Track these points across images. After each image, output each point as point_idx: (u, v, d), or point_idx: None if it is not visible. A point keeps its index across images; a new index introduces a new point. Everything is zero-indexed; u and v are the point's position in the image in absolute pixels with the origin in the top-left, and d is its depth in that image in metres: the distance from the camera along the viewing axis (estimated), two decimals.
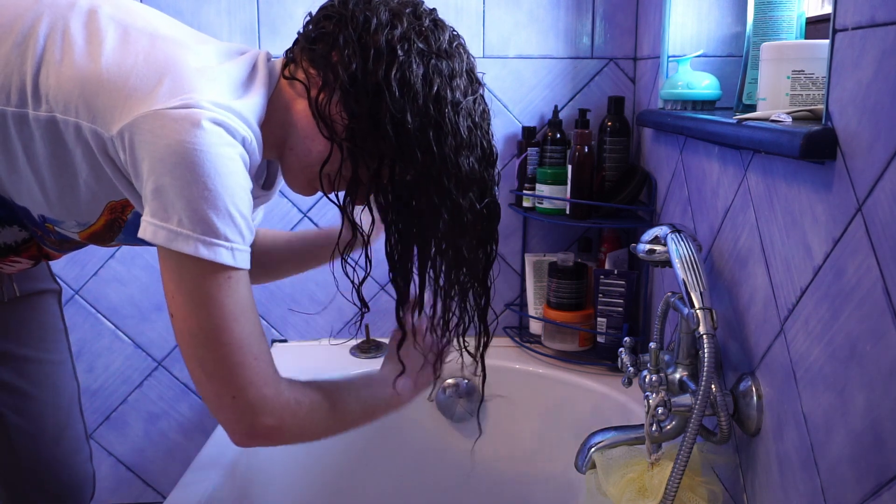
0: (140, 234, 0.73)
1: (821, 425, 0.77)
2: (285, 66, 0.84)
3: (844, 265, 0.72)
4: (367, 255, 0.86)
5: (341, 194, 0.84)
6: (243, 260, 0.74)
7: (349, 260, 0.86)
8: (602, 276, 1.47)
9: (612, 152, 1.49)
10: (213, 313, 0.73)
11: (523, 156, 1.56)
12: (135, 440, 1.71)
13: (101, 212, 0.83)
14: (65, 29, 0.76)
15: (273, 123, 0.82)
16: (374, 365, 1.54)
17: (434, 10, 0.84)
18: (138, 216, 0.75)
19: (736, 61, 1.34)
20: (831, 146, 0.74)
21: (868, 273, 0.68)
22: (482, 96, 0.84)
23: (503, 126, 1.60)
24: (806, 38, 1.10)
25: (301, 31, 0.85)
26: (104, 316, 1.64)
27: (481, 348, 0.92)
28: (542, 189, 1.51)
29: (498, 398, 1.52)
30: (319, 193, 0.86)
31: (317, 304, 1.66)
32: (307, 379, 0.85)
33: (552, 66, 1.59)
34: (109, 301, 1.63)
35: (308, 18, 0.85)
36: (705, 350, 0.90)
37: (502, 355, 1.56)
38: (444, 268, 0.86)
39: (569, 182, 1.49)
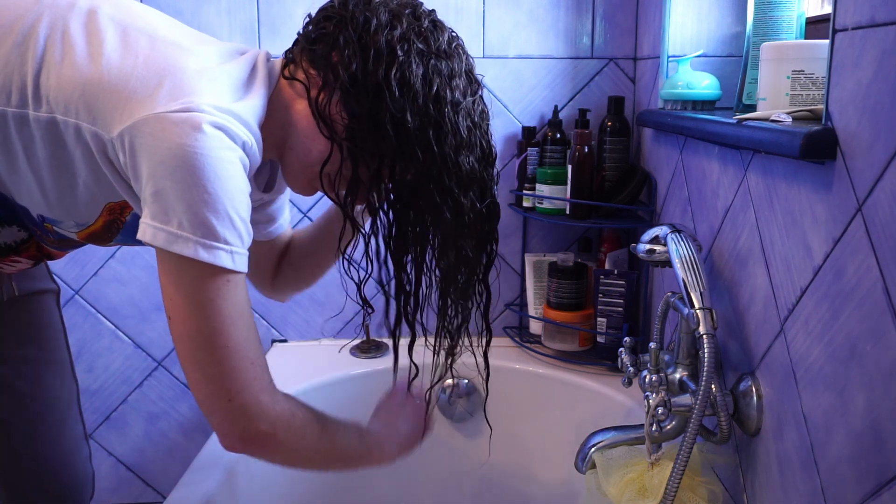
0: (139, 236, 0.73)
1: (821, 425, 0.77)
2: (285, 66, 0.84)
3: (844, 265, 0.72)
4: (367, 256, 0.86)
5: (342, 194, 0.84)
6: (242, 263, 0.75)
7: (353, 262, 0.87)
8: (602, 276, 1.47)
9: (612, 152, 1.49)
10: (211, 316, 0.73)
11: (523, 156, 1.56)
12: (135, 440, 1.71)
13: (99, 213, 0.83)
14: (65, 29, 0.77)
15: (273, 124, 0.82)
16: (373, 365, 1.55)
17: (433, 11, 0.84)
18: (137, 217, 0.75)
19: (736, 61, 1.34)
20: (831, 146, 0.74)
21: (868, 273, 0.68)
22: (481, 97, 0.84)
23: (503, 126, 1.60)
24: (806, 38, 1.10)
25: (301, 31, 0.85)
26: (104, 316, 1.64)
27: (484, 346, 0.93)
28: (542, 189, 1.51)
29: (498, 398, 1.52)
30: (319, 193, 0.87)
31: (317, 303, 1.66)
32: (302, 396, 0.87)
33: (552, 66, 1.59)
34: (109, 301, 1.63)
35: (308, 19, 0.85)
36: (705, 350, 0.89)
37: (502, 355, 1.56)
38: (445, 268, 0.86)
39: (569, 182, 1.49)
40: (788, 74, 0.92)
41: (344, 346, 1.62)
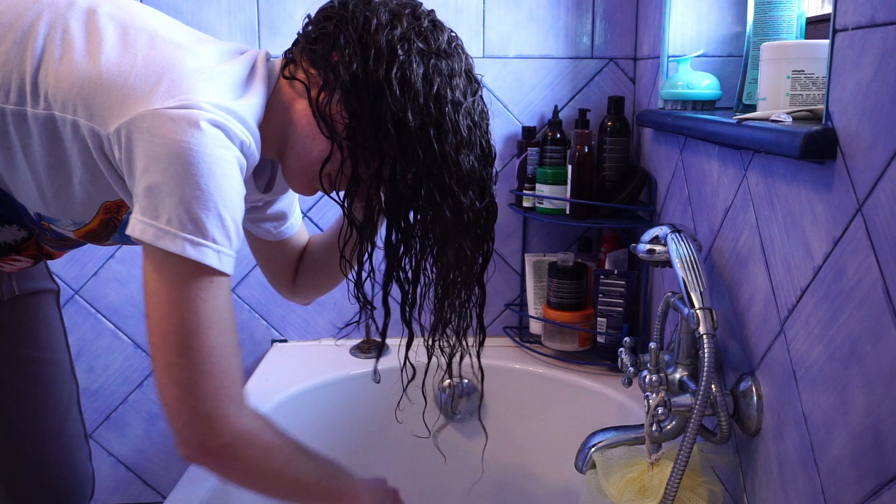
0: (128, 232, 0.72)
1: (821, 425, 0.77)
2: (285, 66, 0.84)
3: (844, 265, 0.72)
4: (369, 255, 0.86)
5: (342, 194, 0.84)
6: (229, 265, 0.74)
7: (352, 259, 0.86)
8: (602, 276, 1.47)
9: (612, 152, 1.49)
10: (189, 317, 0.72)
11: (523, 156, 1.56)
12: (135, 440, 1.71)
13: (96, 211, 0.84)
14: (64, 28, 0.77)
15: (273, 123, 0.82)
16: (373, 365, 1.55)
17: (432, 11, 0.85)
18: None
19: (736, 61, 1.34)
20: (831, 146, 0.74)
21: (868, 273, 0.68)
22: (481, 96, 0.84)
23: (503, 126, 1.60)
24: (806, 38, 1.10)
25: (301, 31, 0.85)
26: (104, 316, 1.64)
27: (477, 346, 0.92)
28: (542, 189, 1.51)
29: (498, 398, 1.52)
30: (320, 193, 0.87)
31: (317, 303, 1.66)
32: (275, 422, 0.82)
33: (552, 66, 1.59)
34: (109, 301, 1.63)
35: (307, 19, 0.85)
36: (705, 350, 0.89)
37: (502, 355, 1.56)
38: (441, 266, 0.86)
39: (569, 182, 1.49)
40: (788, 74, 0.92)
41: (344, 328, 1.62)
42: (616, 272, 1.47)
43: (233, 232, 0.73)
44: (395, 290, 0.88)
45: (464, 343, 0.93)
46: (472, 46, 1.55)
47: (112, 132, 0.72)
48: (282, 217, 1.04)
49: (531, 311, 1.62)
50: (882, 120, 0.66)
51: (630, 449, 1.04)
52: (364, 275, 0.87)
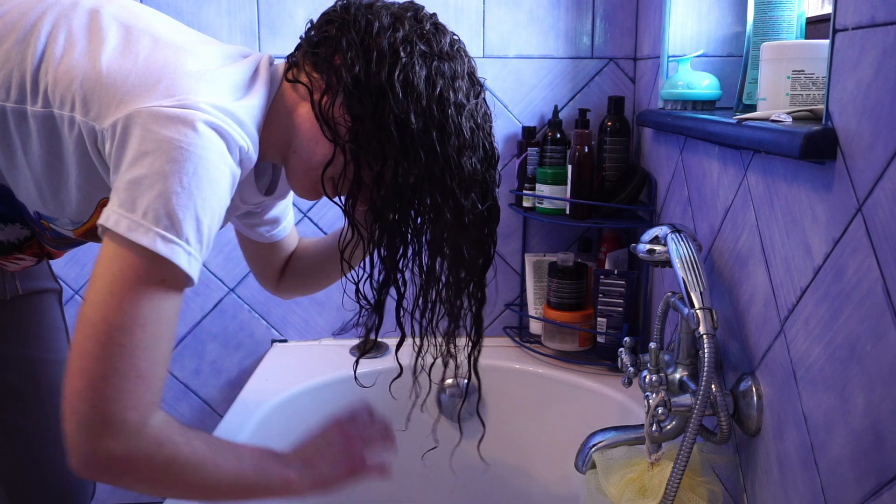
0: (101, 221, 0.69)
1: (821, 425, 0.77)
2: (288, 69, 0.84)
3: (844, 265, 0.72)
4: (370, 256, 0.86)
5: (345, 198, 0.84)
6: (195, 269, 0.71)
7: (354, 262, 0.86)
8: (602, 276, 1.47)
9: (612, 152, 1.49)
10: (128, 311, 0.68)
11: (523, 156, 1.56)
12: None
13: (94, 210, 0.83)
14: (67, 27, 0.77)
15: (276, 127, 0.82)
16: (373, 365, 1.55)
17: (434, 14, 0.85)
18: None
19: (736, 61, 1.34)
20: (831, 146, 0.74)
21: (868, 273, 0.68)
22: (484, 99, 0.84)
23: (503, 126, 1.60)
24: (806, 38, 1.10)
25: (303, 35, 0.85)
26: None
27: (474, 351, 0.92)
28: (542, 189, 1.52)
29: (498, 398, 1.52)
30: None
31: (317, 304, 1.66)
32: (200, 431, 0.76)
33: (552, 66, 1.59)
34: None
35: (310, 24, 0.85)
36: (705, 350, 0.90)
37: (502, 355, 1.56)
38: (443, 268, 0.86)
39: (569, 182, 1.49)
40: (788, 74, 0.92)
41: (343, 326, 1.62)
42: (616, 272, 1.47)
43: (205, 238, 0.71)
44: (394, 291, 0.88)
45: (456, 345, 0.92)
46: (472, 46, 1.55)
47: (107, 126, 0.72)
48: (276, 222, 1.05)
49: (531, 311, 1.62)
50: (882, 120, 0.66)
51: (630, 449, 1.04)
52: (366, 276, 0.87)
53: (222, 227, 0.80)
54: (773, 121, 0.86)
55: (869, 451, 0.69)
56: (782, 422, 0.86)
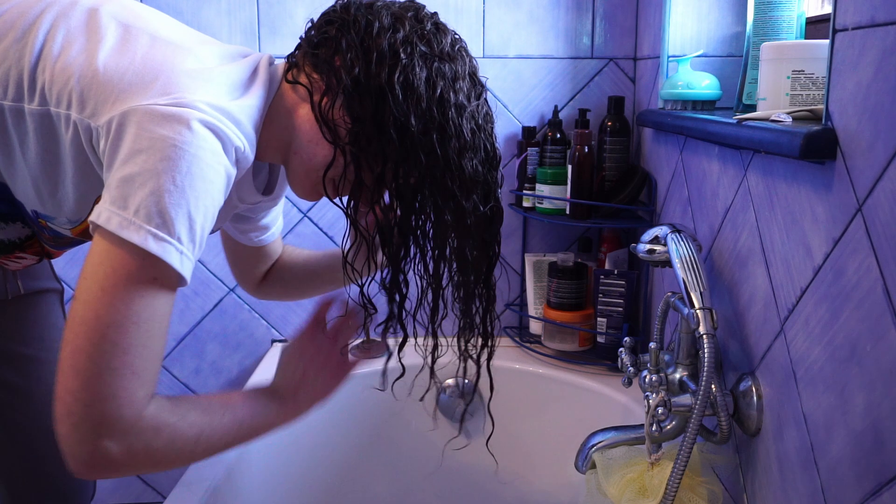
0: (92, 218, 0.69)
1: (821, 425, 0.77)
2: (288, 70, 0.84)
3: (844, 265, 0.72)
4: (372, 258, 0.85)
5: (346, 199, 0.84)
6: (188, 269, 0.70)
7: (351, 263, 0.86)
8: (602, 276, 1.47)
9: (612, 152, 1.49)
10: (120, 309, 0.67)
11: (523, 156, 1.56)
12: None
13: (90, 209, 0.83)
14: (66, 26, 0.77)
15: (276, 128, 0.82)
16: (373, 365, 1.55)
17: (435, 13, 0.84)
18: None
19: (736, 61, 1.34)
20: (831, 146, 0.74)
21: (868, 273, 0.68)
22: (485, 99, 0.84)
23: (503, 126, 1.60)
24: (806, 38, 1.10)
25: (303, 36, 0.85)
26: None
27: (486, 356, 0.91)
28: (542, 189, 1.52)
29: (498, 398, 1.52)
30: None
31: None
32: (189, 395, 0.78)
33: (552, 66, 1.59)
34: None
35: (310, 24, 0.85)
36: (705, 350, 0.90)
37: (502, 355, 1.55)
38: (446, 271, 0.86)
39: (569, 182, 1.49)
40: (788, 74, 0.92)
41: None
42: (616, 272, 1.47)
43: (198, 237, 0.70)
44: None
45: (467, 347, 0.92)
46: (472, 46, 1.54)
47: (102, 124, 0.72)
48: (265, 228, 1.05)
49: (531, 311, 1.62)
50: (882, 120, 0.66)
51: (630, 449, 1.04)
52: (369, 278, 0.87)
53: (219, 228, 0.79)
54: (773, 121, 0.86)
55: (869, 451, 0.69)
56: (782, 422, 0.86)
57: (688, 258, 0.96)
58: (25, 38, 0.76)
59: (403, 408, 1.45)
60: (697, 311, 0.92)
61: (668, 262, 1.00)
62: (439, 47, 0.80)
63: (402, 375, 0.95)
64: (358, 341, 1.61)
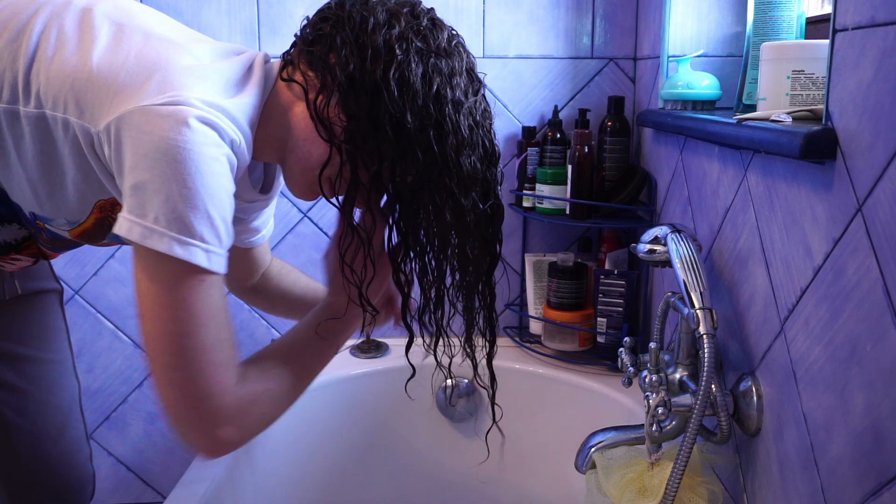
0: (116, 230, 0.71)
1: (821, 425, 0.77)
2: (283, 68, 0.83)
3: (844, 265, 0.72)
4: (371, 258, 0.84)
5: (342, 198, 0.83)
6: (219, 263, 0.72)
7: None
8: (602, 276, 1.47)
9: (612, 152, 1.49)
10: (181, 317, 0.71)
11: (523, 156, 1.56)
12: (135, 440, 1.71)
13: (90, 211, 0.83)
14: (59, 26, 0.76)
15: (271, 126, 0.82)
16: (373, 365, 1.55)
17: (432, 9, 0.83)
18: None
19: (736, 61, 1.34)
20: (831, 146, 0.74)
21: (868, 273, 0.68)
22: (483, 95, 0.83)
23: (503, 126, 1.60)
24: (806, 38, 1.10)
25: (298, 33, 0.84)
26: (104, 316, 1.64)
27: (487, 355, 0.91)
28: (542, 189, 1.52)
29: (498, 398, 1.52)
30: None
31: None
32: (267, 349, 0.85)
33: (552, 66, 1.59)
34: (109, 301, 1.63)
35: (305, 21, 0.84)
36: (705, 350, 0.89)
37: (502, 355, 1.55)
38: (447, 269, 0.86)
39: (569, 182, 1.49)
40: (788, 74, 0.92)
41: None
42: (616, 272, 1.47)
43: (222, 230, 0.72)
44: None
45: (468, 347, 0.92)
46: (472, 46, 1.54)
47: (102, 129, 0.71)
48: (256, 231, 1.05)
49: (531, 311, 1.62)
50: (882, 120, 0.66)
51: (630, 449, 1.04)
52: (368, 280, 0.86)
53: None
54: (773, 121, 0.85)
55: (869, 451, 0.69)
56: (782, 422, 0.86)
57: (688, 258, 0.96)
58: (19, 39, 0.76)
59: (403, 408, 1.46)
60: (697, 311, 0.92)
61: (668, 262, 1.00)
62: (436, 43, 0.79)
63: (413, 376, 0.94)
64: (358, 341, 1.62)
